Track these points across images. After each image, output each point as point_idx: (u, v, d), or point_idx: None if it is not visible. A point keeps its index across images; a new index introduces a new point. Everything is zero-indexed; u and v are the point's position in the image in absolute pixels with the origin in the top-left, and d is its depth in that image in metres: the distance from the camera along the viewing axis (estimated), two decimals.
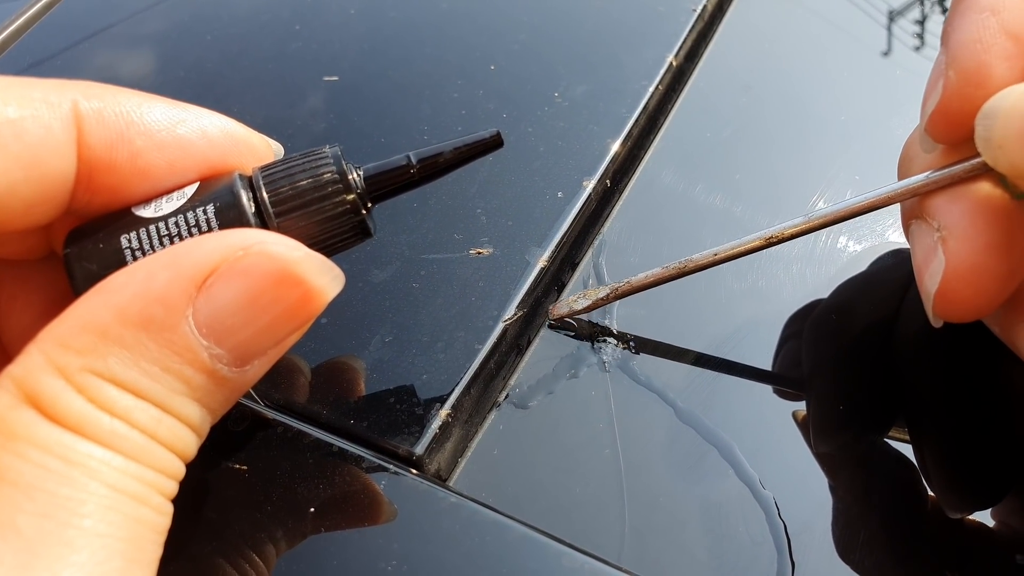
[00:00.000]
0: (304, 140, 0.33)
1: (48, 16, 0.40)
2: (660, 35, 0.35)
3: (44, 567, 0.15)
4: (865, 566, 0.22)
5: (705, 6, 0.36)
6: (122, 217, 0.20)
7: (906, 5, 0.40)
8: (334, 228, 0.21)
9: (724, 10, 0.38)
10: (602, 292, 0.26)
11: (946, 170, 0.21)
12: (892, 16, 0.39)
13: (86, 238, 0.20)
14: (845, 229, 0.30)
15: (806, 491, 0.24)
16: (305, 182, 0.20)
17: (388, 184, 0.22)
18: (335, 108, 0.33)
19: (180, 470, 0.18)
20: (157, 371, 0.17)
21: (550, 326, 0.27)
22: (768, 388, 0.26)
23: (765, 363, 0.26)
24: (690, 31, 0.35)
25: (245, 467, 0.21)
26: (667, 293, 0.28)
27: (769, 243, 0.24)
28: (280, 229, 0.20)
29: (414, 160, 0.22)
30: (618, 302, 0.27)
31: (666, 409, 0.25)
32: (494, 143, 0.23)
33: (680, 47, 0.35)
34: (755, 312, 0.28)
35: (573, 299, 0.27)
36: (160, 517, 0.17)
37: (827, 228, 0.25)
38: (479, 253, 0.28)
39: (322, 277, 0.19)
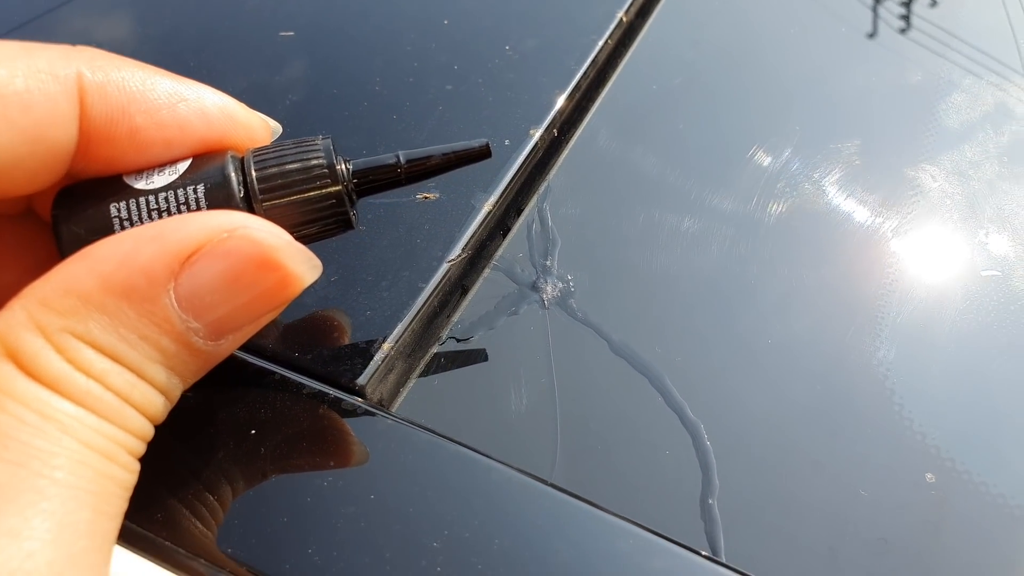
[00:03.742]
0: (260, 96, 0.33)
1: None
2: None
3: (15, 511, 0.15)
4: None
5: None
6: (113, 184, 0.20)
7: None
8: (317, 216, 0.21)
9: None
10: None
11: None
12: None
13: (76, 202, 0.20)
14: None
15: (732, 420, 0.25)
16: (294, 171, 0.21)
17: (374, 181, 0.23)
18: (290, 62, 0.34)
19: (149, 432, 0.19)
20: (135, 338, 0.18)
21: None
22: (700, 324, 0.27)
23: (698, 303, 0.27)
24: None
25: (190, 394, 0.22)
26: (607, 235, 0.29)
27: None
28: (265, 212, 0.20)
29: (403, 160, 0.23)
30: (560, 242, 0.28)
31: (600, 342, 0.26)
32: (481, 153, 0.23)
33: (631, 4, 0.35)
34: (689, 255, 0.29)
35: None
36: (128, 474, 0.18)
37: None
38: (425, 198, 0.28)
39: (300, 265, 0.19)
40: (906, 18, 0.40)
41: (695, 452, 0.24)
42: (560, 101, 0.31)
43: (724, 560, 0.21)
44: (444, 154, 0.23)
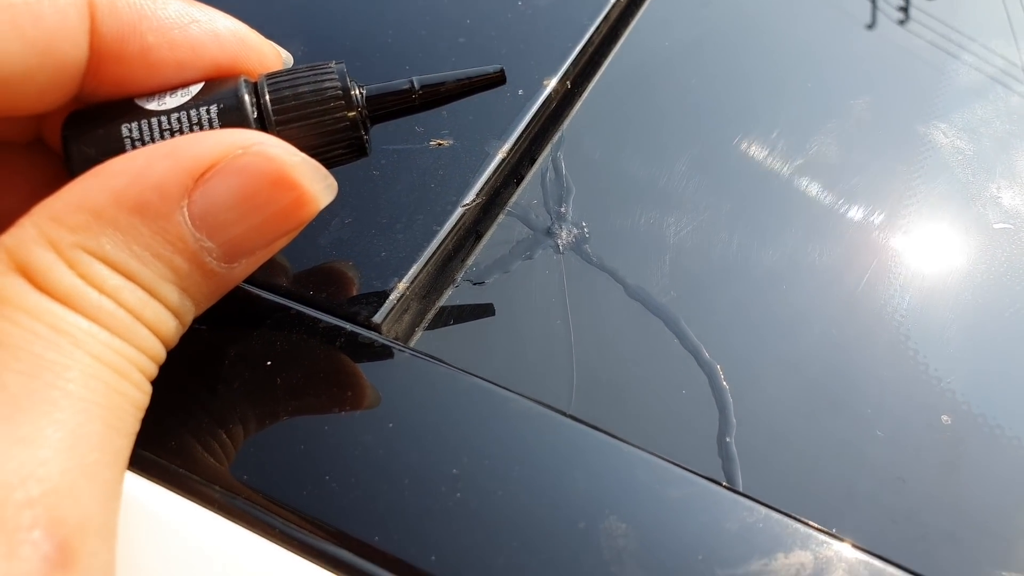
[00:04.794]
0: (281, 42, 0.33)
1: None
2: None
3: (28, 421, 0.15)
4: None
5: None
6: (124, 106, 0.20)
7: None
8: (332, 141, 0.21)
9: None
10: None
11: None
12: None
13: (87, 122, 0.20)
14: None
15: (748, 362, 0.25)
16: (309, 93, 0.21)
17: (389, 106, 0.22)
18: (300, 15, 0.34)
19: (161, 354, 0.18)
20: (148, 256, 0.17)
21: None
22: (715, 270, 0.27)
23: (713, 250, 0.27)
24: None
25: (204, 327, 0.22)
26: (621, 184, 0.29)
27: None
28: (280, 136, 0.20)
29: (417, 86, 0.23)
30: (574, 190, 0.28)
31: (616, 287, 0.26)
32: (496, 79, 0.23)
33: None
34: (704, 204, 0.29)
35: None
36: (140, 394, 0.18)
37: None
38: (439, 144, 0.28)
39: (316, 184, 0.19)
40: None
41: (712, 392, 0.24)
42: (573, 54, 0.31)
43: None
44: (458, 79, 0.23)
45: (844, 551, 0.19)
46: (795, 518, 0.19)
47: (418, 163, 0.28)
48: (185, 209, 0.17)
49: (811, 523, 0.19)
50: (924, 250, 0.28)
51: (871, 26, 0.37)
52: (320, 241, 0.25)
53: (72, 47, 0.19)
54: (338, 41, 0.32)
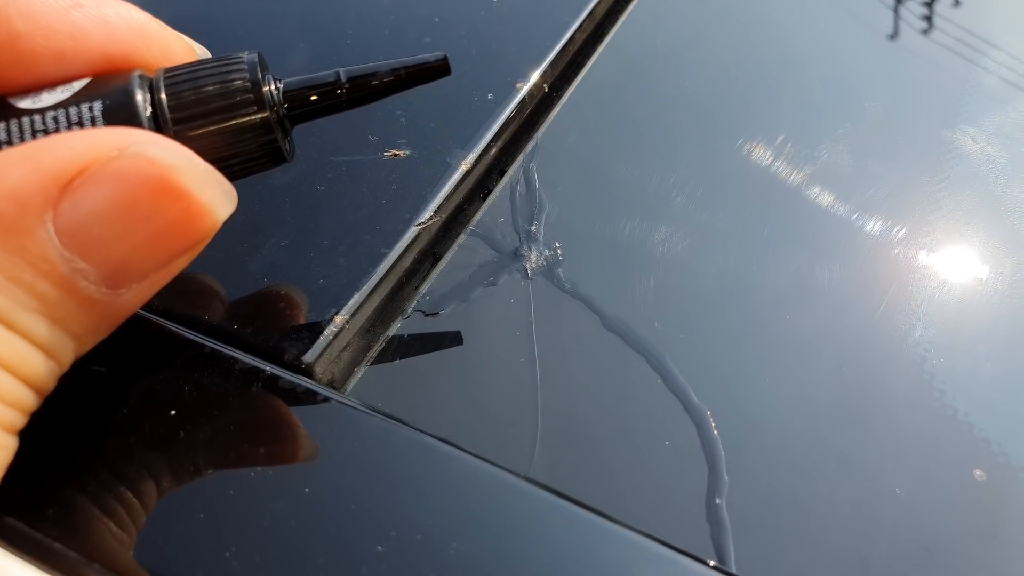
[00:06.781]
0: (217, 48, 0.30)
1: None
2: None
3: None
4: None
5: None
6: None
7: None
8: (240, 146, 0.18)
9: None
10: None
11: None
12: None
13: None
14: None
15: (744, 406, 0.21)
16: (212, 89, 0.18)
17: (310, 103, 0.19)
18: (252, 11, 0.31)
19: (27, 399, 0.15)
20: (2, 281, 0.14)
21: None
22: (706, 298, 0.23)
23: (703, 273, 0.24)
24: None
25: (103, 368, 0.19)
26: (601, 200, 0.26)
27: None
28: (177, 140, 0.17)
29: (343, 78, 0.19)
30: (547, 206, 0.25)
31: (592, 317, 0.22)
32: (438, 70, 0.20)
33: None
34: (694, 221, 0.25)
35: None
36: (1, 453, 0.15)
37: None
38: (395, 155, 0.25)
39: (209, 191, 0.16)
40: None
41: (700, 443, 0.20)
42: (552, 55, 0.28)
43: (734, 571, 0.18)
44: (394, 69, 0.19)
45: None
46: None
47: (369, 176, 0.24)
48: (50, 224, 0.14)
49: None
50: (950, 272, 0.24)
51: (892, 34, 0.33)
52: (250, 267, 0.22)
53: None
54: (290, 41, 0.29)
